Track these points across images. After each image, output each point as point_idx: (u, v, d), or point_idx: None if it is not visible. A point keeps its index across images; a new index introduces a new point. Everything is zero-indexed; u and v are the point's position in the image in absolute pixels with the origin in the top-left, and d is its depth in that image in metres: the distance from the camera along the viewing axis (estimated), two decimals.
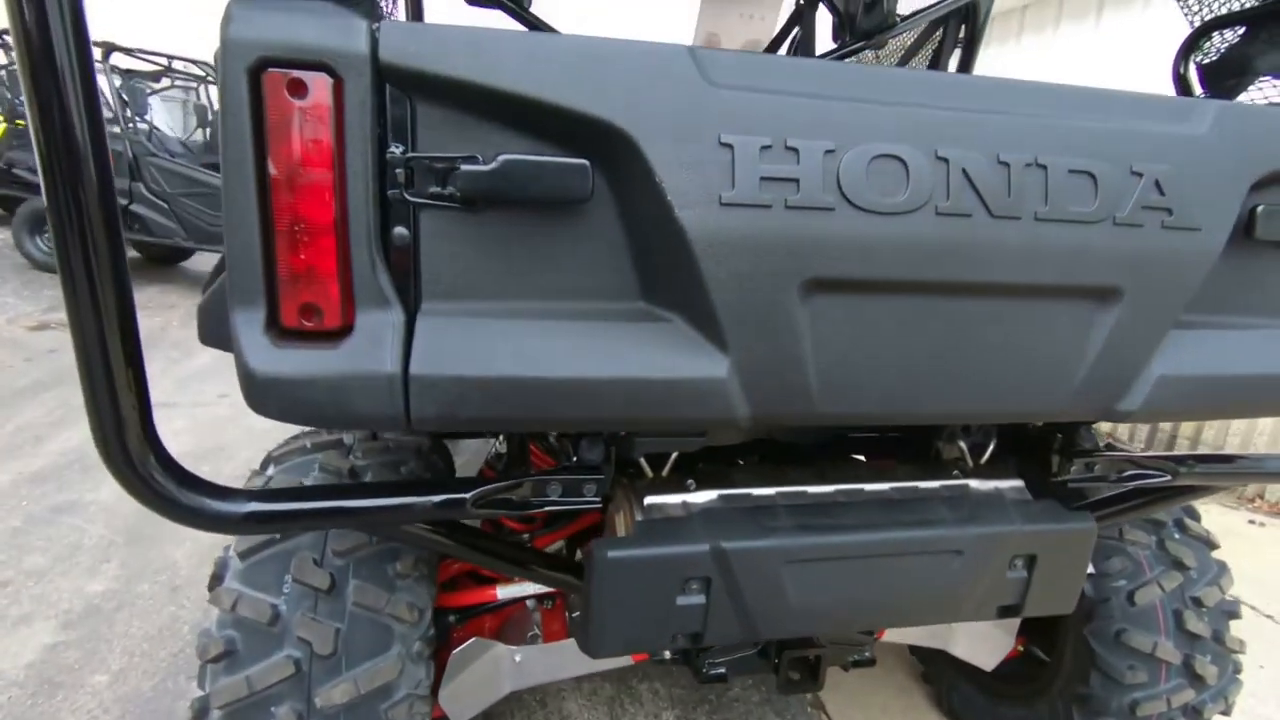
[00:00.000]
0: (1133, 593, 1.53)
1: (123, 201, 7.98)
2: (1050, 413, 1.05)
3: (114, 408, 0.84)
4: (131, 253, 9.54)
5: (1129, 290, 0.99)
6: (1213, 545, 1.64)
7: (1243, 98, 1.43)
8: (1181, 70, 1.56)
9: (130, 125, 7.68)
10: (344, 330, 0.85)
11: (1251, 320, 1.13)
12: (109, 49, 7.28)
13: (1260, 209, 1.04)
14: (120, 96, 7.70)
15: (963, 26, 2.40)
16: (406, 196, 0.84)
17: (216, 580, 1.26)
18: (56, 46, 0.71)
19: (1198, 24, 1.56)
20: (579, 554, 1.69)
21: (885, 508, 1.22)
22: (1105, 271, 0.97)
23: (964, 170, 0.90)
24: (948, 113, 0.91)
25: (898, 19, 2.22)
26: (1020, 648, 1.80)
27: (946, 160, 0.89)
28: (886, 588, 1.19)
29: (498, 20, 2.10)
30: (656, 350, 0.89)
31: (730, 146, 0.84)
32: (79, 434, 3.86)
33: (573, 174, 0.85)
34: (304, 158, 0.80)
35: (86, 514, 3.07)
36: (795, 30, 2.36)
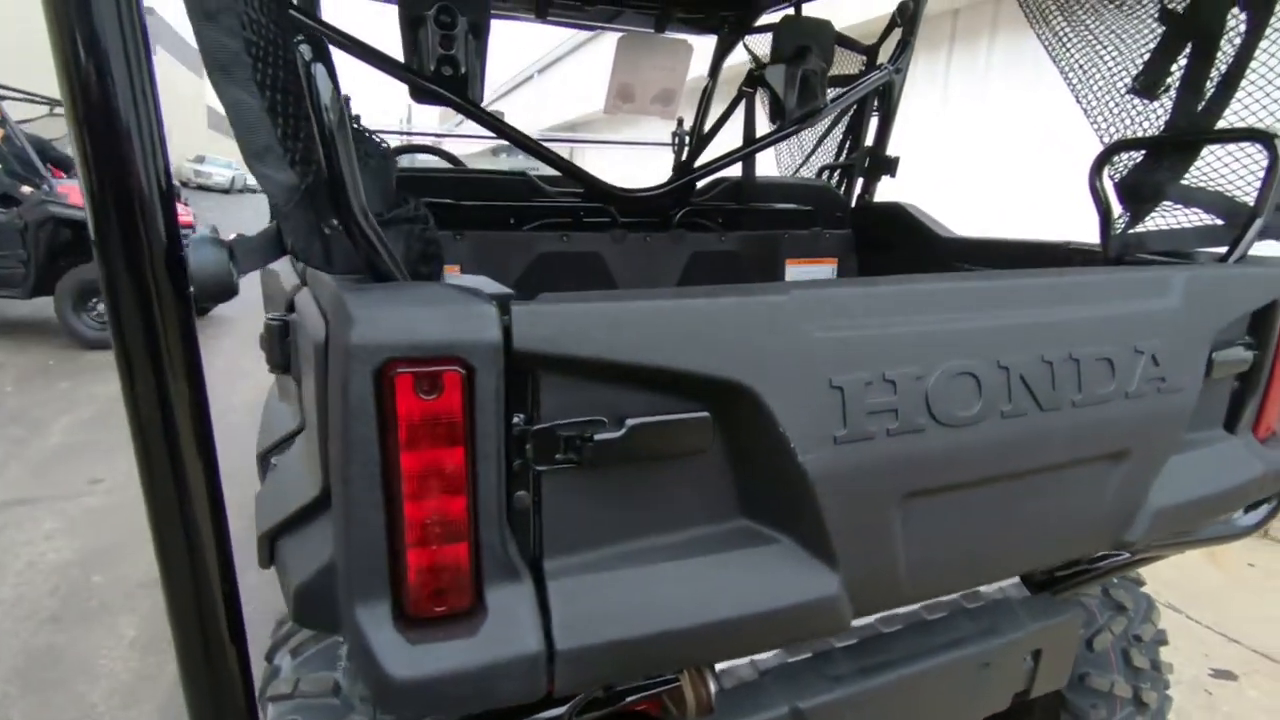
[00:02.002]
0: (1091, 640, 1.77)
1: None
2: (1078, 554, 1.21)
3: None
4: None
5: (1134, 449, 1.15)
6: (1141, 583, 1.92)
7: (1156, 218, 1.67)
8: (1097, 183, 1.79)
9: None
10: (475, 609, 0.82)
11: (1201, 435, 1.34)
12: None
13: (1215, 356, 1.24)
14: None
15: (878, 101, 2.59)
16: (535, 468, 0.82)
17: None
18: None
19: (1108, 141, 1.79)
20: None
21: (919, 631, 1.34)
22: (1121, 439, 1.12)
23: (1021, 376, 1.01)
24: (999, 320, 1.01)
25: (826, 102, 2.35)
26: None
27: (1007, 369, 1.00)
28: (927, 707, 1.31)
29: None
30: (776, 578, 0.93)
31: (840, 389, 0.89)
32: None
33: (696, 428, 0.86)
34: (436, 453, 0.76)
35: None
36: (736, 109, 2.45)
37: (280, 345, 1.06)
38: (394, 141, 4.09)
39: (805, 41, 2.18)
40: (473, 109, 1.91)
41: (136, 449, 0.71)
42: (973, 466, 1.00)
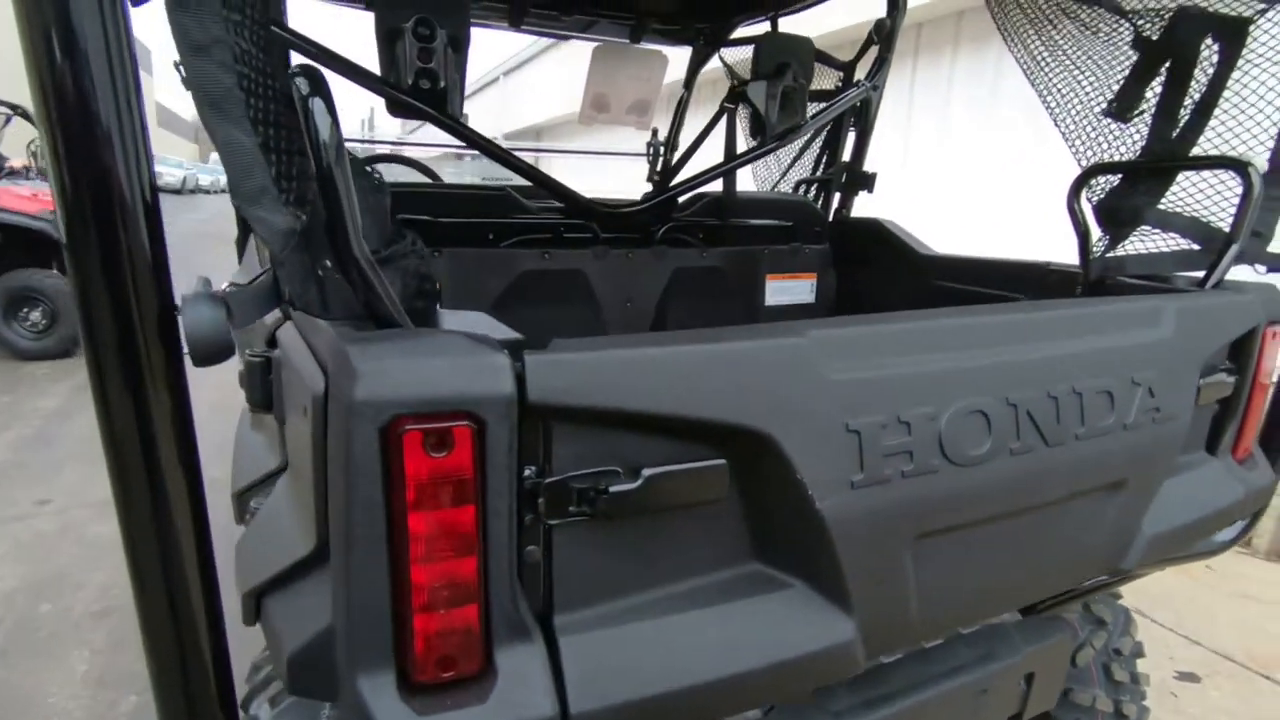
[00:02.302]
0: (1074, 656, 1.79)
1: None
2: (1075, 583, 1.21)
3: None
4: None
5: (1131, 478, 1.16)
6: (1118, 596, 1.95)
7: (1135, 240, 1.70)
8: (1075, 206, 1.82)
9: None
10: (485, 673, 0.78)
11: (1187, 459, 1.36)
12: None
13: (1202, 383, 1.26)
14: None
15: (854, 117, 2.61)
16: (546, 521, 0.78)
17: None
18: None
19: (1085, 165, 1.82)
20: None
21: (919, 660, 1.33)
22: (1120, 469, 1.13)
23: (1028, 412, 1.00)
24: (1008, 355, 1.01)
25: (807, 118, 2.36)
26: None
27: (1015, 405, 0.99)
28: None
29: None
30: (792, 625, 0.91)
31: (857, 432, 0.87)
32: None
33: (713, 476, 0.83)
34: (445, 513, 0.72)
35: None
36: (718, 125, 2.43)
37: (262, 383, 1.00)
38: (357, 150, 3.98)
39: (785, 58, 2.18)
40: (453, 124, 1.86)
41: (115, 491, 0.65)
42: (982, 505, 0.99)
